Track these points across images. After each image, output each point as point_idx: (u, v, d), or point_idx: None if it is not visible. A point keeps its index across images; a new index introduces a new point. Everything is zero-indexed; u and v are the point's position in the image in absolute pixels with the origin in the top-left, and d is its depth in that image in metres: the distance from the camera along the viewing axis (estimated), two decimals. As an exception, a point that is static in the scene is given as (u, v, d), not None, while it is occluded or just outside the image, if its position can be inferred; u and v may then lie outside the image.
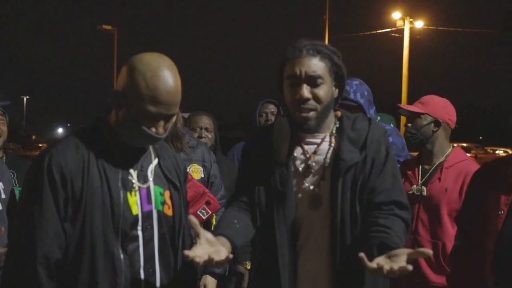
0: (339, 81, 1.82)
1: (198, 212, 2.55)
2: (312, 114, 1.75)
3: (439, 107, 2.71)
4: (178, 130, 2.74)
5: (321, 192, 1.76)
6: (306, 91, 1.73)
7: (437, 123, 2.68)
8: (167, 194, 1.71)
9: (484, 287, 1.83)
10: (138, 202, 1.62)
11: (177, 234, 1.71)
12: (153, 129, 1.58)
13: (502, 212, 1.80)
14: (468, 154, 2.93)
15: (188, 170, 2.71)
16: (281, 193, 1.76)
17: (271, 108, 3.67)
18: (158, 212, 1.67)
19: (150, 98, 1.54)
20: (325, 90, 1.75)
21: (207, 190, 2.63)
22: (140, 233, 1.62)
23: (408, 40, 21.99)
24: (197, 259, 1.48)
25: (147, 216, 1.64)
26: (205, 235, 1.57)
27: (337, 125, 1.84)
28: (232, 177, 3.29)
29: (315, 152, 1.80)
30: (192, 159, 2.80)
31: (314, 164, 1.79)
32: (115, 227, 1.56)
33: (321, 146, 1.81)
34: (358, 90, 2.89)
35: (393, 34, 22.90)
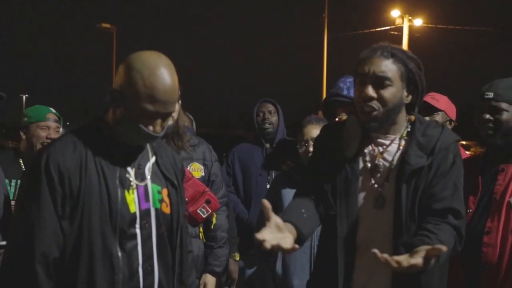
0: (413, 87, 1.80)
1: (198, 211, 2.54)
2: (374, 113, 1.75)
3: (451, 106, 2.72)
4: (179, 128, 2.73)
5: (385, 192, 1.78)
6: (370, 89, 1.74)
7: (451, 121, 2.69)
8: (164, 192, 1.71)
9: (457, 281, 2.01)
10: (136, 200, 1.63)
11: (175, 232, 1.72)
12: (151, 127, 1.59)
13: (470, 210, 2.02)
14: (467, 152, 2.93)
15: (188, 168, 2.71)
16: (346, 188, 1.79)
17: (269, 107, 3.68)
18: (156, 210, 1.67)
19: (147, 97, 1.54)
20: (392, 93, 1.74)
21: (207, 189, 2.62)
22: (138, 231, 1.62)
23: (407, 38, 21.98)
24: (266, 244, 1.50)
25: (145, 214, 1.64)
26: (275, 219, 1.58)
27: (409, 129, 1.84)
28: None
29: (382, 153, 1.81)
30: (193, 158, 2.79)
31: (381, 163, 1.81)
32: (113, 225, 1.56)
33: (389, 147, 1.82)
34: (352, 87, 2.89)
35: (392, 32, 22.90)
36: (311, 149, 2.58)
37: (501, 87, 2.11)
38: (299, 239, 1.67)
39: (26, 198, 1.56)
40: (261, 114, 3.66)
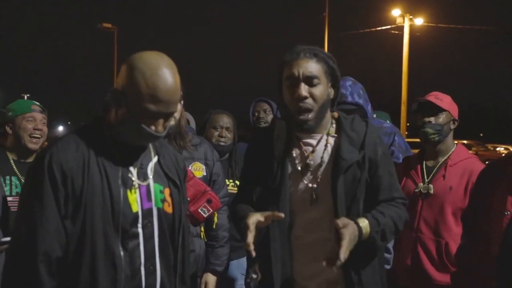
0: (334, 82, 1.93)
1: (199, 210, 2.54)
2: (310, 115, 1.86)
3: (454, 105, 2.71)
4: (181, 128, 2.73)
5: (319, 189, 1.87)
6: (303, 90, 1.84)
7: (454, 121, 2.67)
8: (167, 191, 1.72)
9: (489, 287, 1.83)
10: (138, 199, 1.63)
11: (177, 232, 1.72)
12: (153, 127, 1.59)
13: (508, 213, 1.78)
14: (469, 152, 2.92)
15: (190, 168, 2.71)
16: (275, 190, 1.87)
17: (264, 106, 3.70)
18: (158, 209, 1.68)
19: (149, 97, 1.54)
20: (321, 90, 1.87)
21: (208, 188, 2.62)
22: (140, 230, 1.63)
23: (408, 37, 21.97)
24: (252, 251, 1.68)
25: (147, 213, 1.65)
26: (252, 225, 1.72)
27: (334, 126, 1.95)
28: None
29: (312, 152, 1.91)
30: (195, 157, 2.80)
31: (312, 163, 1.89)
32: (115, 225, 1.56)
33: (318, 146, 1.91)
34: (354, 91, 2.86)
35: (392, 32, 22.90)
36: None
37: None
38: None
39: (28, 197, 1.56)
40: (256, 114, 3.69)
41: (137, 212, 1.62)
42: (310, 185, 1.89)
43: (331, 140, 1.92)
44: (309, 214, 1.88)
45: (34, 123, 2.76)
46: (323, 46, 21.45)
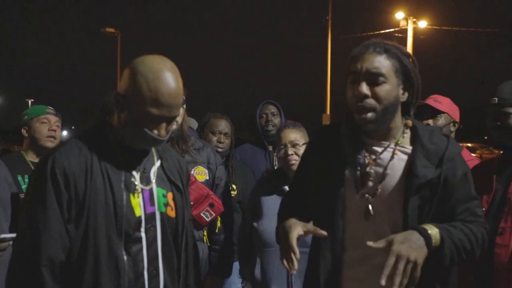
0: (409, 84, 1.69)
1: (202, 214, 2.54)
2: (370, 115, 1.63)
3: (454, 108, 2.71)
4: (183, 132, 2.72)
5: (375, 203, 1.66)
6: (364, 87, 1.62)
7: (454, 123, 2.67)
8: (170, 195, 1.72)
9: (467, 281, 2.01)
10: (141, 203, 1.63)
11: (180, 235, 1.72)
12: (155, 131, 1.59)
13: (484, 209, 1.99)
14: (473, 154, 2.91)
15: (192, 172, 2.70)
16: (332, 201, 1.69)
17: (271, 109, 3.66)
18: (161, 213, 1.68)
19: (152, 101, 1.54)
20: (387, 90, 1.63)
21: (211, 192, 2.62)
22: (143, 234, 1.63)
23: (411, 40, 21.95)
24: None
25: (150, 217, 1.65)
26: (295, 244, 1.62)
27: (405, 135, 1.72)
28: (247, 180, 3.30)
29: (374, 160, 1.69)
30: (197, 161, 2.79)
31: (372, 171, 1.68)
32: (118, 229, 1.57)
33: (382, 155, 1.69)
34: None
35: (396, 34, 22.85)
36: (289, 152, 2.56)
37: (505, 91, 2.11)
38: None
39: (32, 201, 1.57)
40: (264, 116, 3.65)
41: (140, 216, 1.62)
42: (366, 195, 1.67)
43: (400, 151, 1.68)
44: (360, 229, 1.67)
45: (48, 125, 2.92)
46: (326, 49, 21.44)
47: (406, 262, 1.49)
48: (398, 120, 1.71)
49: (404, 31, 22.27)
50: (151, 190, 1.67)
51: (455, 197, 1.65)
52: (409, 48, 21.83)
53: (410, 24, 22.03)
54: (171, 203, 1.71)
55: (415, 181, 1.62)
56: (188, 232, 1.76)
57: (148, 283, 1.63)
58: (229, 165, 3.27)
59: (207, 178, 2.81)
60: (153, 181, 1.68)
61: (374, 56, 1.64)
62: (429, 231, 1.55)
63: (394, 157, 1.68)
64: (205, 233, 2.81)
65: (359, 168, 1.69)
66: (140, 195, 1.63)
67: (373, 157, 1.69)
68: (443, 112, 2.64)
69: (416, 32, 22.37)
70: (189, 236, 1.76)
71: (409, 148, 1.70)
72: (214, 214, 2.58)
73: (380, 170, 1.68)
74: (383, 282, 1.46)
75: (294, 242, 1.61)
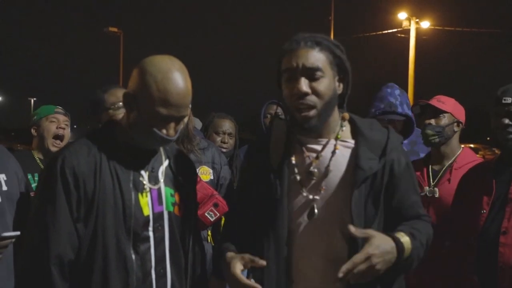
0: (343, 75, 1.65)
1: (206, 214, 2.54)
2: (312, 112, 1.58)
3: (458, 108, 2.71)
4: (189, 132, 2.73)
5: (322, 202, 1.61)
6: (304, 84, 1.57)
7: (458, 123, 2.67)
8: (177, 195, 1.72)
9: (470, 283, 2.01)
10: (149, 203, 1.64)
11: (187, 235, 1.73)
12: (164, 131, 1.60)
13: (484, 211, 2.05)
14: (476, 155, 2.92)
15: (197, 171, 2.71)
16: (272, 206, 1.62)
17: (276, 109, 3.65)
18: (169, 213, 1.68)
19: (161, 100, 1.55)
20: (326, 84, 1.59)
21: (215, 192, 2.62)
22: (151, 233, 1.64)
23: (414, 41, 21.91)
24: None
25: (158, 217, 1.65)
26: (243, 278, 1.56)
27: (344, 128, 1.68)
28: None
29: (317, 158, 1.64)
30: (202, 161, 2.80)
31: (315, 171, 1.63)
32: (127, 228, 1.58)
33: (323, 151, 1.64)
34: (404, 101, 2.76)
35: (399, 35, 22.83)
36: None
37: None
38: None
39: (41, 201, 1.58)
40: (268, 116, 3.64)
41: (148, 216, 1.63)
42: (310, 196, 1.61)
43: (341, 146, 1.64)
44: (307, 231, 1.61)
45: (57, 123, 2.96)
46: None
47: (370, 268, 1.47)
48: (335, 114, 1.67)
49: (407, 32, 22.23)
50: (159, 190, 1.68)
51: (402, 188, 1.63)
52: (412, 48, 21.81)
53: (413, 25, 21.98)
54: (179, 202, 1.72)
55: (361, 174, 1.58)
56: (195, 232, 1.76)
57: (155, 282, 1.64)
58: (234, 165, 3.27)
59: (212, 178, 2.82)
60: (161, 180, 1.69)
61: (307, 51, 1.58)
62: (402, 239, 1.53)
63: (336, 152, 1.64)
64: (209, 233, 2.82)
65: (298, 170, 1.64)
66: (149, 194, 1.64)
67: (314, 155, 1.65)
68: (446, 112, 2.64)
69: (418, 33, 22.33)
70: (196, 236, 1.77)
71: (351, 142, 1.66)
72: (218, 214, 2.59)
73: (323, 168, 1.63)
74: (340, 275, 1.45)
75: (242, 278, 1.55)
